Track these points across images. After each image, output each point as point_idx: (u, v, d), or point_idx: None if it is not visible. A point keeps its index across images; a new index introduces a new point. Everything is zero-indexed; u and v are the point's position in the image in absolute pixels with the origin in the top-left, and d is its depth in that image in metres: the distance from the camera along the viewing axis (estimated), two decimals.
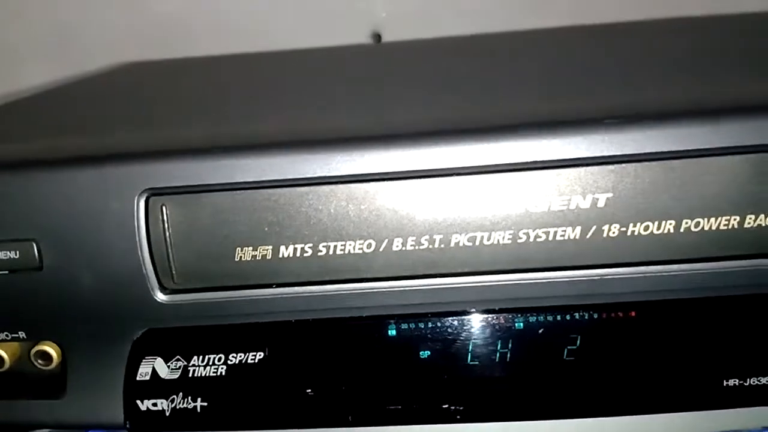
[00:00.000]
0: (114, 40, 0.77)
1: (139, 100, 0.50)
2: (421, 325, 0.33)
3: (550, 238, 0.30)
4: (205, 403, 0.33)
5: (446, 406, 0.32)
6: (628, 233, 0.30)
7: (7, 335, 0.34)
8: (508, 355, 0.33)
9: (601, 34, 0.61)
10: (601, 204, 0.30)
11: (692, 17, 0.63)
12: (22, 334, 0.34)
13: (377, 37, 0.80)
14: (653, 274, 0.31)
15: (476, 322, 0.33)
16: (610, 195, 0.30)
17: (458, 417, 0.32)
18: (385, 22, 0.77)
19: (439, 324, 0.33)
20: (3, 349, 0.35)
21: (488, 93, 0.39)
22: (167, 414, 0.33)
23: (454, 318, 0.33)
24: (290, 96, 0.46)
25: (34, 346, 0.35)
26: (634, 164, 0.29)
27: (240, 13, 0.77)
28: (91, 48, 0.77)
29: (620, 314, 0.33)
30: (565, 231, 0.30)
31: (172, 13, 0.77)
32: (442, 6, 0.75)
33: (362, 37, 0.78)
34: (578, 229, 0.30)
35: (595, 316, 0.33)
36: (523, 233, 0.30)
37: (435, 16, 0.76)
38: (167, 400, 0.33)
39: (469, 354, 0.33)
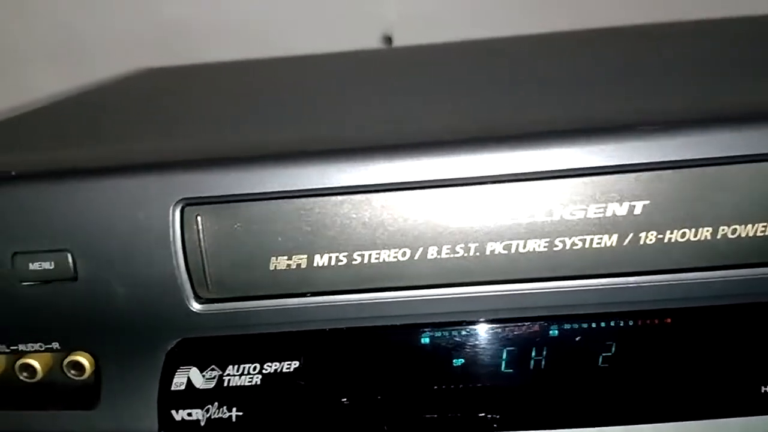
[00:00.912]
0: (123, 46, 0.77)
1: (161, 108, 0.50)
2: (455, 333, 0.33)
3: (587, 245, 0.30)
4: (241, 413, 0.33)
5: (483, 414, 0.32)
6: (665, 240, 0.30)
7: (41, 346, 0.34)
8: (543, 363, 0.33)
9: (621, 38, 0.61)
10: (637, 211, 0.30)
11: (713, 19, 0.63)
12: (55, 345, 0.34)
13: (388, 39, 0.80)
14: (690, 281, 0.31)
15: (510, 330, 0.33)
16: (647, 202, 0.29)
17: (495, 426, 0.32)
18: (395, 24, 0.78)
19: (472, 332, 0.33)
20: (36, 360, 0.35)
21: (515, 99, 0.39)
22: (202, 424, 0.33)
23: (488, 326, 0.33)
24: (314, 103, 0.46)
25: (66, 357, 0.35)
26: (671, 171, 0.29)
27: (249, 17, 0.78)
28: (99, 53, 0.77)
29: (656, 321, 0.32)
30: (601, 238, 0.30)
31: (181, 18, 0.77)
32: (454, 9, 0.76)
33: (373, 40, 0.79)
34: (615, 236, 0.30)
35: (630, 323, 0.32)
36: (560, 241, 0.30)
37: (447, 19, 0.77)
38: (202, 410, 0.33)
39: (503, 362, 0.33)
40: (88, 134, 0.41)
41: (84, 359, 0.35)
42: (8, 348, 0.34)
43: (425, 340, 0.33)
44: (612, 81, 0.41)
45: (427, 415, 0.33)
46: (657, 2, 0.69)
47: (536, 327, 0.33)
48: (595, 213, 0.30)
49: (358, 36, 0.78)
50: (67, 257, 0.32)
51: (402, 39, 0.78)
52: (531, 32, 0.68)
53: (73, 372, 0.35)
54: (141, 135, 0.40)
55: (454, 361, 0.34)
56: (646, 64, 0.46)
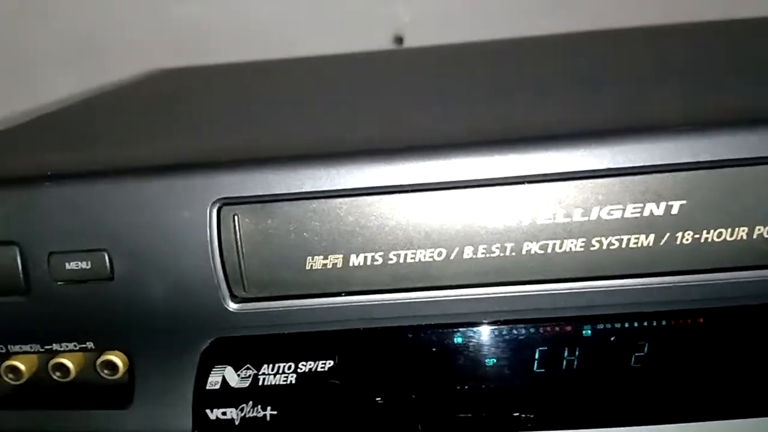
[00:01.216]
0: (136, 48, 0.77)
1: (184, 108, 0.50)
2: (488, 333, 0.34)
3: (623, 245, 0.30)
4: (275, 412, 0.33)
5: (517, 414, 0.33)
6: (701, 240, 0.30)
7: (75, 345, 0.34)
8: (575, 363, 0.33)
9: (641, 37, 0.61)
10: (674, 211, 0.30)
11: (739, 20, 0.63)
12: (90, 345, 0.34)
13: (399, 39, 0.80)
14: (723, 281, 0.31)
15: (543, 330, 0.33)
16: (683, 202, 0.30)
17: (528, 425, 0.32)
18: (406, 25, 0.78)
19: (505, 332, 0.34)
20: (69, 360, 0.35)
21: (539, 99, 0.40)
22: (237, 423, 0.33)
23: (521, 326, 0.33)
24: (335, 103, 0.46)
25: (99, 356, 0.35)
26: (708, 171, 0.29)
27: (260, 19, 0.78)
28: (111, 55, 0.78)
29: (688, 321, 0.33)
30: (638, 238, 0.30)
31: (193, 19, 0.77)
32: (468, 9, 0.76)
33: (385, 41, 0.79)
34: (651, 236, 0.30)
35: (663, 323, 0.33)
36: (596, 241, 0.30)
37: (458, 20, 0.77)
38: (237, 409, 0.33)
39: (536, 361, 0.34)
40: (116, 134, 0.41)
41: (117, 359, 0.35)
42: (42, 347, 0.34)
43: (458, 340, 0.33)
44: (641, 81, 0.41)
45: (461, 415, 0.33)
46: (678, 2, 0.70)
47: (569, 327, 0.33)
48: (632, 213, 0.30)
49: (370, 37, 0.78)
50: (104, 257, 0.32)
51: (413, 40, 0.79)
52: (545, 33, 0.69)
53: (106, 371, 0.35)
54: (169, 135, 0.40)
55: (486, 360, 0.34)
56: (675, 63, 0.47)
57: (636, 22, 0.66)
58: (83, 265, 0.32)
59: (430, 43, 0.71)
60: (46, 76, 0.78)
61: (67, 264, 0.32)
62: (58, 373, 0.35)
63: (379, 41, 0.78)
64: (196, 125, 0.42)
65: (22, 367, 0.36)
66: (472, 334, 0.33)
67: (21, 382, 0.36)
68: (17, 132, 0.44)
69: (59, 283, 0.32)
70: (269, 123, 0.41)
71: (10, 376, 0.36)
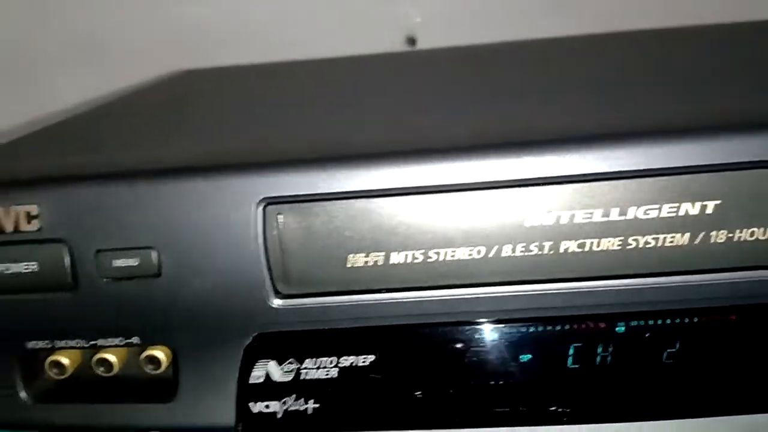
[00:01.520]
0: (150, 50, 0.78)
1: (214, 108, 0.51)
2: (523, 329, 0.34)
3: (659, 244, 0.31)
4: (317, 405, 0.34)
5: (553, 408, 0.33)
6: (735, 239, 0.31)
7: (120, 341, 0.35)
8: (609, 359, 0.34)
9: (656, 40, 0.62)
10: (709, 210, 0.31)
11: (755, 21, 0.64)
12: (135, 340, 0.35)
13: (411, 41, 0.81)
14: (755, 279, 0.32)
15: (577, 326, 0.34)
16: (718, 202, 0.30)
17: (564, 419, 0.33)
18: (418, 26, 0.79)
19: (539, 328, 0.34)
20: (113, 354, 0.36)
21: (566, 99, 0.40)
22: (279, 416, 0.34)
23: (556, 322, 0.34)
24: (361, 104, 0.47)
25: (143, 351, 0.36)
26: (742, 172, 0.30)
27: (272, 20, 0.78)
28: (126, 58, 0.78)
29: (720, 318, 0.33)
30: (673, 237, 0.31)
31: (204, 21, 0.78)
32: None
33: (397, 42, 0.80)
34: (687, 235, 0.31)
35: (696, 319, 0.33)
36: (633, 239, 0.31)
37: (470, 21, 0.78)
38: (280, 402, 0.34)
39: (570, 357, 0.34)
40: (153, 135, 0.42)
41: (161, 353, 0.36)
42: (87, 343, 0.35)
43: (495, 336, 0.34)
44: (672, 82, 0.42)
45: (498, 409, 0.34)
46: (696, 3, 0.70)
47: (603, 324, 0.34)
48: (668, 212, 0.31)
49: (383, 38, 0.79)
50: (151, 254, 0.33)
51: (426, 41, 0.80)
52: (559, 35, 0.69)
53: (149, 366, 0.36)
54: (206, 136, 0.41)
55: (520, 356, 0.35)
56: (703, 65, 0.47)
57: (654, 24, 0.67)
58: (131, 262, 0.33)
59: (443, 44, 0.73)
60: (50, 76, 0.79)
61: (114, 261, 0.33)
62: (101, 368, 0.36)
63: (393, 43, 0.79)
64: (231, 126, 0.43)
65: (66, 362, 0.37)
66: (508, 331, 0.34)
67: (65, 377, 0.37)
68: (52, 133, 0.45)
69: (106, 279, 0.33)
70: (304, 124, 0.42)
71: (54, 371, 0.37)
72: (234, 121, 0.45)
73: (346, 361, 0.34)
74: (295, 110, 0.46)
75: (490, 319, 0.34)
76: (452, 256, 0.32)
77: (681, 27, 0.65)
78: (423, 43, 0.79)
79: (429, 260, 0.32)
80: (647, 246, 0.31)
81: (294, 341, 0.34)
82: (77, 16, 0.78)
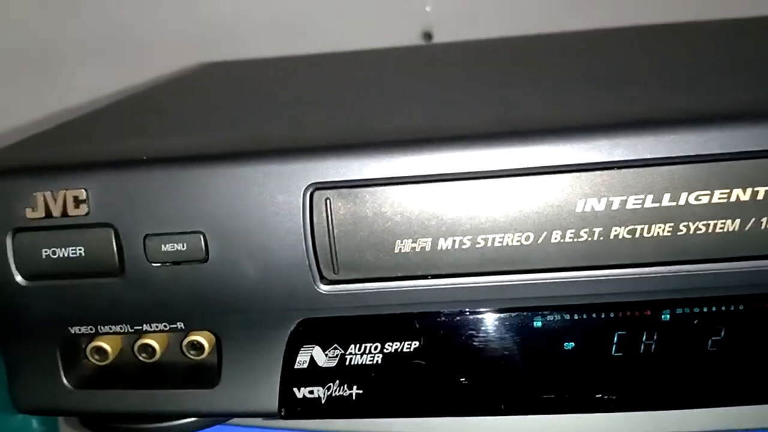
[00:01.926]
0: (172, 43, 0.78)
1: (246, 99, 0.51)
2: (567, 317, 0.34)
3: (710, 230, 0.31)
4: (361, 391, 0.34)
5: (599, 396, 0.33)
6: None
7: (165, 326, 0.35)
8: (653, 347, 0.34)
9: (685, 32, 0.62)
10: (760, 196, 0.30)
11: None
12: (180, 325, 0.35)
13: (428, 36, 0.81)
14: None
15: (622, 314, 0.34)
16: None
17: (611, 406, 0.33)
18: (433, 20, 0.79)
19: (584, 315, 0.34)
20: (155, 340, 0.36)
21: (620, 87, 0.40)
22: (323, 401, 0.34)
23: (600, 309, 0.34)
24: (394, 95, 0.47)
25: (186, 337, 0.36)
26: None
27: (290, 14, 0.78)
28: (147, 51, 0.79)
29: (766, 305, 0.33)
30: (724, 223, 0.31)
31: (220, 15, 0.78)
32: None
33: (414, 37, 0.80)
34: (738, 221, 0.31)
35: (741, 307, 0.33)
36: (684, 225, 0.31)
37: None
38: (323, 388, 0.34)
39: (614, 345, 0.34)
40: (193, 122, 0.42)
41: (203, 339, 0.36)
42: (131, 328, 0.35)
43: (538, 324, 0.34)
44: (716, 70, 0.42)
45: (543, 396, 0.34)
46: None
47: (648, 311, 0.34)
48: (719, 198, 0.31)
49: (399, 32, 0.79)
50: (199, 239, 0.33)
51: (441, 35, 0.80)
52: (574, 29, 0.69)
53: (192, 352, 0.36)
54: (245, 123, 0.41)
55: (565, 344, 0.35)
56: (747, 53, 0.47)
57: (676, 18, 0.67)
58: (179, 246, 0.33)
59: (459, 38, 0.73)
60: (70, 70, 0.79)
61: (162, 246, 0.33)
62: (144, 354, 0.36)
63: (409, 37, 0.79)
64: (268, 114, 0.43)
65: (108, 347, 0.37)
66: (552, 318, 0.34)
67: (106, 362, 0.37)
68: (90, 121, 0.45)
69: (154, 264, 0.33)
70: (342, 112, 0.42)
71: (96, 357, 0.37)
72: (266, 110, 0.45)
73: (391, 347, 0.34)
74: (329, 101, 0.46)
75: (535, 306, 0.34)
76: (500, 242, 0.32)
77: (714, 20, 0.64)
78: (439, 38, 0.79)
79: (477, 246, 0.32)
80: (698, 232, 0.31)
81: (339, 327, 0.34)
82: (103, 12, 0.78)
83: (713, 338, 0.34)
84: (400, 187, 0.32)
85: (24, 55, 0.79)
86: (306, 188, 0.32)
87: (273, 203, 0.32)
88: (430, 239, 0.32)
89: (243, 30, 0.79)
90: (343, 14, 0.79)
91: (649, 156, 0.30)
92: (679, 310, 0.34)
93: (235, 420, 0.39)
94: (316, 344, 0.34)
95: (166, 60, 0.76)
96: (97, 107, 0.49)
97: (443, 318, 0.34)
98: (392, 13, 0.79)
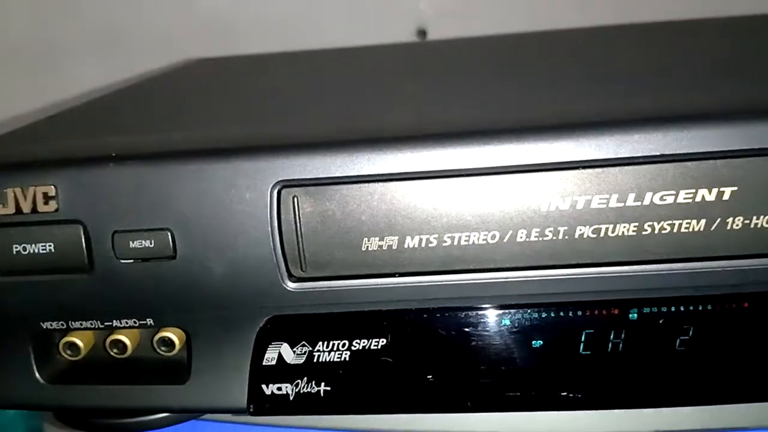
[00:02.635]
0: (165, 39, 0.79)
1: (227, 95, 0.51)
2: (534, 315, 0.34)
3: (675, 230, 0.31)
4: (329, 388, 0.34)
5: (564, 393, 0.33)
6: (751, 225, 0.31)
7: (134, 322, 0.35)
8: (621, 345, 0.34)
9: (670, 31, 0.61)
10: (726, 197, 0.30)
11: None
12: (149, 321, 0.35)
13: (422, 33, 0.81)
14: None
15: (590, 313, 0.34)
16: (734, 188, 0.30)
17: (578, 404, 0.33)
18: (428, 17, 0.79)
19: (552, 314, 0.34)
20: (126, 336, 0.36)
21: (589, 87, 0.40)
22: (291, 398, 0.34)
23: (568, 308, 0.34)
24: (374, 92, 0.47)
25: (156, 333, 0.36)
26: (759, 158, 0.30)
27: (285, 11, 0.79)
28: (140, 46, 0.79)
29: (733, 305, 0.33)
30: (689, 223, 0.31)
31: (218, 11, 0.79)
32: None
33: (408, 34, 0.80)
34: (702, 221, 0.31)
35: (709, 307, 0.33)
36: (648, 225, 0.31)
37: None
38: (292, 385, 0.34)
39: (582, 344, 0.35)
40: (168, 119, 0.43)
41: (174, 335, 0.36)
42: (102, 324, 0.36)
43: (506, 322, 0.34)
44: (686, 71, 0.42)
45: (509, 393, 0.34)
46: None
47: (616, 310, 0.34)
48: (684, 198, 0.31)
49: (394, 30, 0.79)
50: (167, 236, 0.33)
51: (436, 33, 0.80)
52: (571, 26, 0.69)
53: (163, 348, 0.36)
54: (220, 120, 0.41)
55: (533, 342, 0.35)
56: (722, 53, 0.47)
57: (665, 16, 0.67)
58: (147, 243, 0.33)
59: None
60: (67, 65, 0.79)
61: (131, 242, 0.33)
62: (115, 350, 0.36)
63: (403, 34, 0.79)
64: (244, 111, 0.43)
65: (80, 343, 0.37)
66: (520, 316, 0.34)
67: (78, 358, 0.37)
68: (69, 117, 0.46)
69: (122, 261, 0.33)
70: (317, 111, 0.42)
71: (68, 352, 0.37)
72: (247, 107, 0.45)
73: (359, 344, 0.34)
74: (307, 98, 0.46)
75: (503, 305, 0.34)
76: (467, 240, 0.32)
77: (700, 19, 0.64)
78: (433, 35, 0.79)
79: (444, 244, 0.32)
80: (663, 232, 0.31)
81: (307, 324, 0.34)
82: (101, 8, 0.78)
83: (681, 338, 0.34)
84: (367, 185, 0.32)
85: (21, 50, 0.80)
86: (273, 186, 0.32)
87: (240, 200, 0.32)
88: (397, 237, 0.33)
89: (240, 26, 0.79)
90: (337, 11, 0.80)
91: (613, 155, 0.30)
92: (646, 310, 0.34)
93: (209, 415, 0.40)
94: (284, 341, 0.34)
95: (166, 55, 0.76)
96: (76, 104, 0.49)
97: (410, 316, 0.34)
98: (387, 9, 0.79)
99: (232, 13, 0.79)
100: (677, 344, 0.34)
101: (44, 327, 0.36)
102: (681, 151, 0.30)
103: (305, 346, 0.34)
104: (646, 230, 0.31)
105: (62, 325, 0.36)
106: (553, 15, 0.77)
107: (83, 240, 0.34)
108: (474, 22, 0.77)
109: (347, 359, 0.34)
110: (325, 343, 0.34)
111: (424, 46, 0.75)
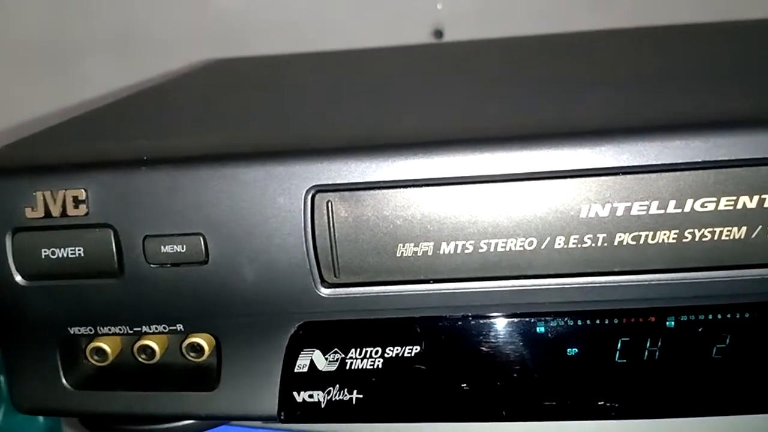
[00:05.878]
0: (181, 40, 0.78)
1: (256, 97, 0.51)
2: (570, 323, 0.34)
3: (716, 237, 0.31)
4: (361, 395, 0.34)
5: (601, 403, 0.33)
6: None
7: (164, 327, 0.35)
8: (657, 354, 0.34)
9: (688, 34, 0.61)
10: (767, 204, 0.30)
11: None
12: (179, 327, 0.35)
13: (438, 33, 0.81)
14: None
15: (626, 320, 0.34)
16: None
17: (612, 414, 0.33)
18: (445, 18, 0.78)
19: (587, 321, 0.34)
20: (155, 342, 0.36)
21: (622, 91, 0.40)
22: (323, 405, 0.34)
23: (603, 316, 0.34)
24: (403, 94, 0.46)
25: (185, 339, 0.36)
26: None
27: (301, 12, 0.78)
28: (156, 47, 0.79)
29: None
30: (730, 231, 0.30)
31: (233, 11, 0.78)
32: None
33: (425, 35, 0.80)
34: (744, 228, 0.30)
35: (747, 315, 0.33)
36: (689, 233, 0.31)
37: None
38: (323, 392, 0.34)
39: (618, 352, 0.34)
40: (193, 122, 0.42)
41: (203, 341, 0.35)
42: (131, 329, 0.35)
43: (541, 329, 0.34)
44: (723, 76, 0.41)
45: (545, 402, 0.33)
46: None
47: (653, 318, 0.34)
48: (725, 205, 0.30)
49: (410, 30, 0.79)
50: (199, 241, 0.32)
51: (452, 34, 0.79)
52: (589, 29, 0.69)
53: (192, 354, 0.36)
54: (248, 123, 0.41)
55: (568, 350, 0.34)
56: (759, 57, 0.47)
57: (690, 18, 0.66)
58: (178, 248, 0.33)
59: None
60: (82, 66, 0.79)
61: (162, 247, 0.33)
62: (143, 355, 0.36)
63: (420, 36, 0.79)
64: (271, 113, 0.43)
65: (107, 348, 0.37)
66: (555, 324, 0.34)
67: (106, 363, 0.37)
68: (92, 118, 0.45)
69: (153, 266, 0.33)
70: (342, 113, 0.41)
71: (96, 357, 0.37)
72: (273, 109, 0.45)
73: (392, 351, 0.34)
74: (333, 100, 0.46)
75: (537, 312, 0.34)
76: (503, 247, 0.32)
77: (731, 21, 0.64)
78: (450, 36, 0.79)
79: (479, 251, 0.32)
80: (703, 239, 0.31)
81: (339, 331, 0.34)
82: (115, 8, 0.78)
83: (718, 346, 0.34)
84: (402, 190, 0.32)
85: (38, 50, 0.80)
86: (307, 190, 0.32)
87: (274, 205, 0.32)
88: (432, 243, 0.32)
89: (255, 26, 0.79)
90: (353, 11, 0.79)
91: (654, 162, 0.30)
92: (683, 317, 0.33)
93: (239, 421, 0.39)
94: (317, 348, 0.34)
95: (179, 55, 0.76)
96: (99, 105, 0.48)
97: (445, 323, 0.34)
98: (403, 10, 0.79)
99: (246, 13, 0.79)
100: (714, 352, 0.34)
101: (71, 332, 0.35)
102: (722, 158, 0.30)
103: (338, 353, 0.34)
104: (687, 237, 0.31)
105: (90, 330, 0.35)
106: (571, 17, 0.76)
107: (113, 244, 0.33)
108: (491, 23, 0.77)
109: (380, 366, 0.34)
110: (358, 350, 0.34)
111: (441, 47, 0.75)
